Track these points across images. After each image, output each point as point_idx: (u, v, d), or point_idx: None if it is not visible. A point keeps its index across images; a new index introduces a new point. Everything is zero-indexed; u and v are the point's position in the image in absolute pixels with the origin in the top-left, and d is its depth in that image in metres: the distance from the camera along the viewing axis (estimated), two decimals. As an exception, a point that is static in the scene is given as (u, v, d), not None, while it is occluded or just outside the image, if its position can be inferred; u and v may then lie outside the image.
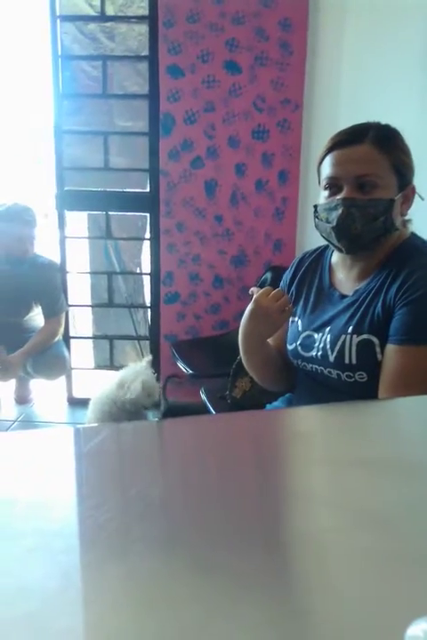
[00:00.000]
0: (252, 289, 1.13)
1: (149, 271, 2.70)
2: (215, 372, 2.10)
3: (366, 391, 1.00)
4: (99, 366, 2.96)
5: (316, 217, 1.09)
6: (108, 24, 2.55)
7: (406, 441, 0.64)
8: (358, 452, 0.58)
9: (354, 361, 1.01)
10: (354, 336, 1.01)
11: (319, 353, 1.07)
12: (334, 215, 1.02)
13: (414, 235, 1.08)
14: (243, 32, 2.36)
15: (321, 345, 1.07)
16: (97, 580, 0.38)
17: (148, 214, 2.65)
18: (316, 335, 1.10)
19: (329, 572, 0.40)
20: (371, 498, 0.48)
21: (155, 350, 2.76)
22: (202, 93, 2.43)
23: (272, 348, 1.20)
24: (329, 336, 1.06)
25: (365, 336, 1.00)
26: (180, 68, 2.41)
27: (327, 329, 1.07)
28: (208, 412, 1.74)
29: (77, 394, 2.87)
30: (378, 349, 0.99)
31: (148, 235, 2.69)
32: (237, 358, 1.34)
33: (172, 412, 1.94)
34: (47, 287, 2.58)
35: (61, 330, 2.63)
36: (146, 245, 2.76)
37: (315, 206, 1.09)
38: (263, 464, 0.57)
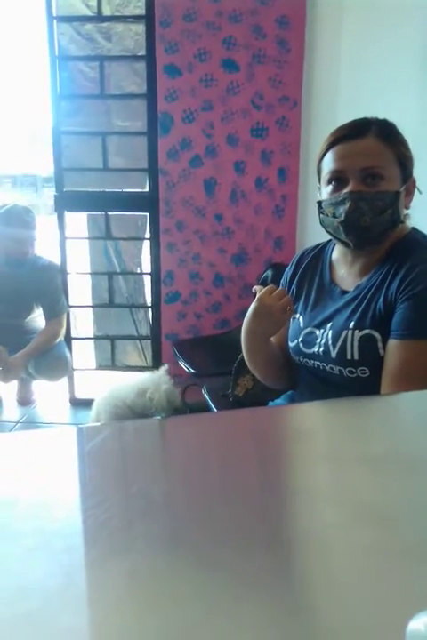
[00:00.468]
0: (255, 287, 1.12)
1: (149, 271, 2.70)
2: (217, 370, 2.11)
3: (369, 387, 1.00)
4: (100, 367, 2.96)
5: (321, 213, 1.08)
6: (105, 24, 2.55)
7: (408, 436, 0.64)
8: (360, 448, 0.57)
9: (356, 356, 1.00)
10: (356, 331, 1.01)
11: (321, 349, 1.07)
12: (342, 210, 1.01)
13: (414, 229, 1.08)
14: (240, 30, 2.36)
15: (323, 341, 1.07)
16: (98, 578, 0.38)
17: (147, 214, 2.65)
18: (317, 331, 1.09)
19: (331, 568, 0.40)
20: (373, 494, 0.48)
21: (156, 350, 2.76)
22: (200, 92, 2.43)
23: (274, 345, 1.20)
24: (331, 332, 1.06)
25: (366, 331, 1.00)
26: (177, 67, 2.41)
27: (329, 325, 1.07)
28: (210, 410, 1.74)
29: (80, 394, 2.87)
30: (380, 345, 0.99)
31: (148, 234, 2.69)
32: (239, 356, 1.34)
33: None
34: (48, 288, 2.58)
35: (63, 331, 2.63)
36: (146, 245, 2.76)
37: (319, 202, 1.08)
38: (265, 461, 0.57)
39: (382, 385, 0.97)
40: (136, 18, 2.51)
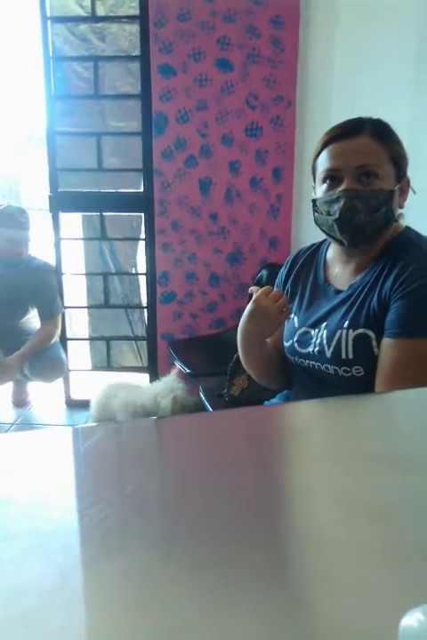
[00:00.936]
0: (251, 288, 1.13)
1: (144, 271, 2.70)
2: (213, 370, 2.11)
3: (363, 386, 1.00)
4: (96, 367, 2.96)
5: (315, 211, 1.08)
6: (99, 24, 2.55)
7: (403, 434, 0.64)
8: (355, 447, 0.58)
9: (351, 356, 1.01)
10: (350, 331, 1.01)
11: (316, 349, 1.07)
12: (336, 207, 1.01)
13: (407, 228, 1.08)
14: (234, 30, 2.36)
15: (318, 341, 1.07)
16: (93, 578, 0.38)
17: (142, 214, 2.65)
18: (312, 331, 1.10)
19: (326, 565, 0.40)
20: (369, 492, 0.48)
21: (152, 350, 2.76)
22: (194, 92, 2.43)
23: (270, 345, 1.21)
24: (325, 331, 1.06)
25: (361, 330, 1.00)
26: (171, 67, 2.41)
27: (323, 325, 1.07)
28: (206, 410, 1.74)
29: (75, 395, 2.87)
30: (374, 343, 0.99)
31: (143, 235, 2.69)
32: (235, 356, 1.34)
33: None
34: (43, 289, 2.57)
35: (58, 332, 2.63)
36: (141, 245, 2.76)
37: (314, 201, 1.08)
38: (261, 460, 0.57)
39: (377, 383, 0.98)
40: (130, 18, 2.51)
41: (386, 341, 0.97)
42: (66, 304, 2.75)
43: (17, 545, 0.40)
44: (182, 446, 0.62)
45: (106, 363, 2.90)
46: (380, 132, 1.02)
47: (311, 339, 1.09)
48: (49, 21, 2.49)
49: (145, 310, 2.80)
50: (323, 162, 1.04)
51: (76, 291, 2.95)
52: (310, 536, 0.42)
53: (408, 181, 1.06)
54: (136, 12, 2.44)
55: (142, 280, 2.81)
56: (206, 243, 2.60)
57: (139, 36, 2.44)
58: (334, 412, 0.73)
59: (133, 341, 2.96)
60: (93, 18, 2.52)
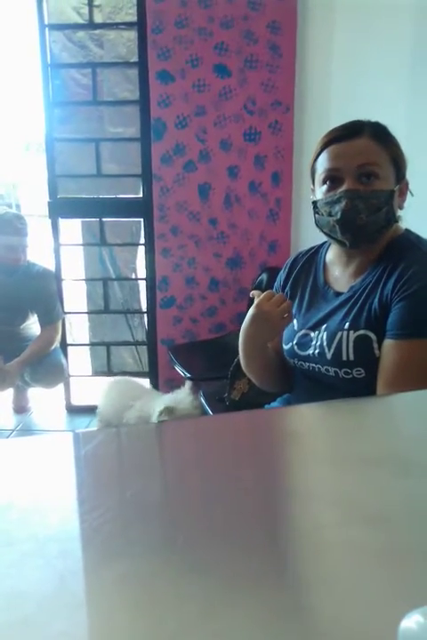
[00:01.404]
0: (252, 292, 1.12)
1: (144, 276, 2.70)
2: (213, 375, 2.10)
3: (364, 388, 1.00)
4: (97, 373, 2.95)
5: (316, 213, 1.08)
6: (97, 31, 2.56)
7: (404, 437, 0.64)
8: (356, 449, 0.58)
9: (351, 357, 1.01)
10: (351, 332, 1.01)
11: (316, 351, 1.07)
12: (338, 208, 1.01)
13: (407, 230, 1.09)
14: (231, 35, 2.37)
15: (318, 343, 1.07)
16: (93, 583, 0.38)
17: (142, 219, 2.65)
18: (312, 334, 1.10)
19: (326, 568, 0.40)
20: (369, 494, 0.48)
21: (152, 355, 2.76)
22: (192, 98, 2.44)
23: (271, 349, 1.20)
24: (325, 334, 1.06)
25: (361, 332, 1.00)
26: (169, 73, 2.42)
27: (323, 327, 1.07)
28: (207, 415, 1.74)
29: (76, 401, 2.87)
30: (375, 345, 0.99)
31: (142, 240, 2.69)
32: (235, 360, 1.34)
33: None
34: (42, 295, 2.57)
35: (58, 337, 2.63)
36: (141, 251, 2.76)
37: (314, 202, 1.08)
38: (261, 463, 0.57)
39: (378, 385, 0.97)
40: (128, 25, 2.52)
41: (388, 343, 0.97)
42: (66, 310, 2.75)
43: (17, 550, 0.40)
44: (182, 450, 0.62)
45: (106, 368, 2.90)
46: (379, 133, 1.02)
47: (311, 341, 1.09)
48: (47, 29, 2.50)
49: (145, 315, 2.80)
50: (323, 163, 1.05)
51: (75, 296, 2.95)
52: (310, 538, 0.42)
53: (407, 183, 1.06)
54: (134, 18, 2.45)
55: (142, 285, 2.81)
56: (206, 247, 2.60)
57: (137, 43, 2.45)
58: (334, 415, 0.73)
59: (134, 346, 2.96)
60: (91, 25, 2.53)
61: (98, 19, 2.55)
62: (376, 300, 1.00)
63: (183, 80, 2.42)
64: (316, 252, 1.21)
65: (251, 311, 1.09)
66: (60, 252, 2.69)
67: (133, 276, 2.94)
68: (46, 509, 0.47)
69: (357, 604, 0.34)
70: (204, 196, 2.54)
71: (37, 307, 2.60)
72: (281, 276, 1.25)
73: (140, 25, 2.41)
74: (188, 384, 1.80)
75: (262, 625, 0.33)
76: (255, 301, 1.08)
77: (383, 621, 0.32)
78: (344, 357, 1.01)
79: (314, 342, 1.08)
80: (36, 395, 2.90)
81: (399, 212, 1.07)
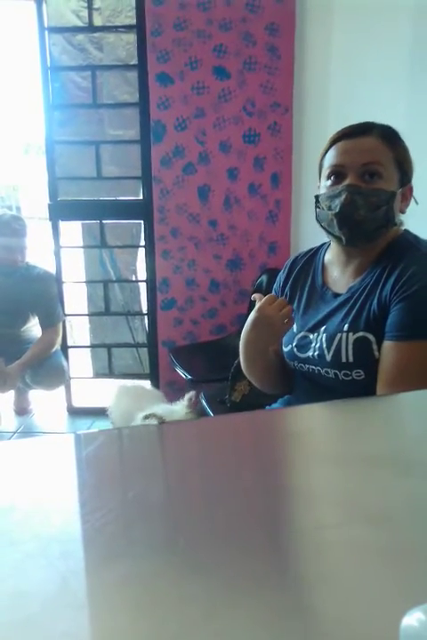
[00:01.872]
0: (254, 295, 1.12)
1: (144, 278, 2.70)
2: (214, 376, 2.11)
3: (364, 389, 1.00)
4: (98, 375, 2.96)
5: (317, 207, 1.08)
6: (97, 34, 2.57)
7: (404, 437, 0.64)
8: (358, 449, 0.58)
9: (351, 359, 1.01)
10: (350, 334, 1.01)
11: (316, 353, 1.07)
12: (338, 202, 1.02)
13: (406, 231, 1.09)
14: (230, 38, 2.38)
15: (317, 345, 1.07)
16: (95, 583, 0.38)
17: (142, 221, 2.66)
18: (311, 336, 1.10)
19: (328, 567, 0.40)
20: (370, 494, 0.48)
21: (153, 357, 2.76)
22: (192, 100, 2.44)
23: (271, 352, 1.20)
24: (325, 335, 1.06)
25: (361, 333, 1.00)
26: (169, 75, 2.42)
27: (322, 328, 1.07)
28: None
29: (77, 403, 2.87)
30: (375, 347, 0.99)
31: (142, 242, 2.69)
32: (236, 362, 1.34)
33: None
34: (43, 297, 2.58)
35: (59, 340, 2.63)
36: (141, 253, 2.76)
37: (316, 196, 1.09)
38: (262, 464, 0.57)
39: (378, 387, 0.97)
40: (127, 28, 2.53)
41: (387, 344, 0.97)
42: (66, 312, 2.76)
43: (20, 550, 0.40)
44: (184, 451, 0.62)
45: (107, 370, 2.90)
46: (388, 134, 1.03)
47: (311, 343, 1.09)
48: (47, 32, 2.51)
49: (146, 317, 2.80)
50: (329, 158, 1.05)
51: (76, 299, 2.96)
52: (311, 538, 0.43)
53: (411, 189, 1.07)
54: (133, 21, 2.45)
55: (143, 287, 2.81)
56: (206, 249, 2.60)
57: (136, 46, 2.46)
58: (335, 416, 0.73)
59: (134, 348, 2.96)
60: (91, 28, 2.54)
61: (97, 22, 2.55)
62: (375, 301, 1.00)
63: (182, 82, 2.43)
64: (315, 254, 1.21)
65: (252, 315, 1.09)
66: (61, 254, 2.69)
67: (134, 278, 2.95)
68: (48, 510, 0.47)
69: (359, 604, 0.34)
70: (203, 197, 2.54)
71: (38, 309, 2.60)
72: (281, 277, 1.25)
73: (140, 28, 2.42)
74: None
75: (264, 625, 0.33)
76: (257, 305, 1.08)
77: (385, 621, 0.32)
78: (344, 359, 1.01)
79: (313, 344, 1.08)
80: (38, 397, 2.90)
81: (401, 217, 1.07)
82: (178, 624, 0.33)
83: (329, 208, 1.04)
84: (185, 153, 2.49)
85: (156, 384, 2.75)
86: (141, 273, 2.80)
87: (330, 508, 0.47)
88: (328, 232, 1.08)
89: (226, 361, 1.53)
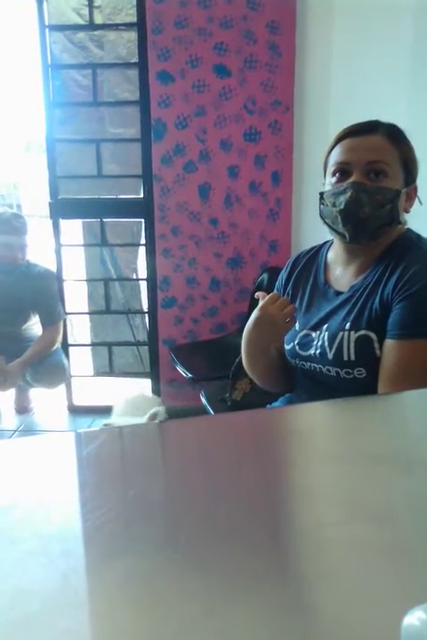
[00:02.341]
0: (257, 294, 1.12)
1: (145, 276, 2.70)
2: (215, 374, 2.11)
3: (365, 388, 1.00)
4: (98, 373, 2.96)
5: (321, 204, 1.08)
6: (97, 32, 2.56)
7: (405, 435, 0.64)
8: (359, 447, 0.58)
9: (353, 357, 1.01)
10: (352, 332, 1.01)
11: (318, 351, 1.07)
12: (342, 199, 1.02)
13: (408, 230, 1.09)
14: (231, 35, 2.37)
15: (319, 343, 1.07)
16: (95, 581, 0.38)
17: (142, 220, 2.65)
18: (313, 334, 1.10)
19: (329, 566, 0.40)
20: (371, 492, 0.48)
21: (153, 355, 2.76)
22: (192, 98, 2.44)
23: (273, 350, 1.20)
24: (327, 333, 1.06)
25: (363, 332, 1.00)
26: (169, 73, 2.42)
27: (325, 326, 1.07)
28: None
29: (78, 401, 2.87)
30: (376, 345, 0.99)
31: (143, 240, 2.69)
32: (236, 360, 1.34)
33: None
34: (43, 296, 2.58)
35: (60, 338, 2.63)
36: (141, 251, 2.76)
37: (321, 193, 1.09)
38: (263, 462, 0.57)
39: (380, 385, 0.98)
40: (128, 25, 2.52)
41: (389, 343, 0.97)
42: (67, 310, 2.76)
43: (20, 549, 0.40)
44: (184, 450, 0.62)
45: (108, 368, 2.91)
46: (394, 133, 1.03)
47: (312, 341, 1.09)
48: (47, 30, 2.50)
49: (146, 315, 2.80)
50: (335, 155, 1.06)
51: (77, 297, 2.96)
52: (312, 536, 0.43)
53: (416, 188, 1.07)
54: (133, 19, 2.45)
55: (143, 285, 2.81)
56: (207, 247, 2.60)
57: (137, 43, 2.46)
58: (336, 414, 0.73)
59: (135, 347, 2.96)
60: (91, 26, 2.54)
61: (98, 20, 2.55)
62: (377, 299, 1.00)
63: (183, 80, 2.42)
64: (317, 252, 1.21)
65: (255, 313, 1.09)
66: (61, 252, 2.69)
67: (134, 277, 2.95)
68: (49, 509, 0.47)
69: (359, 602, 0.34)
70: (204, 196, 2.54)
71: (39, 307, 2.61)
72: (282, 275, 1.25)
73: (140, 26, 2.41)
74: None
75: (265, 623, 0.33)
76: (260, 303, 1.08)
77: (386, 620, 0.32)
78: (345, 358, 1.01)
79: (315, 342, 1.08)
80: (38, 395, 2.90)
81: (406, 215, 1.07)
82: (178, 621, 0.33)
83: (334, 205, 1.04)
84: (186, 151, 2.49)
85: (156, 382, 2.75)
86: (142, 271, 2.80)
87: (331, 506, 0.47)
88: (332, 229, 1.08)
89: (226, 359, 1.53)
